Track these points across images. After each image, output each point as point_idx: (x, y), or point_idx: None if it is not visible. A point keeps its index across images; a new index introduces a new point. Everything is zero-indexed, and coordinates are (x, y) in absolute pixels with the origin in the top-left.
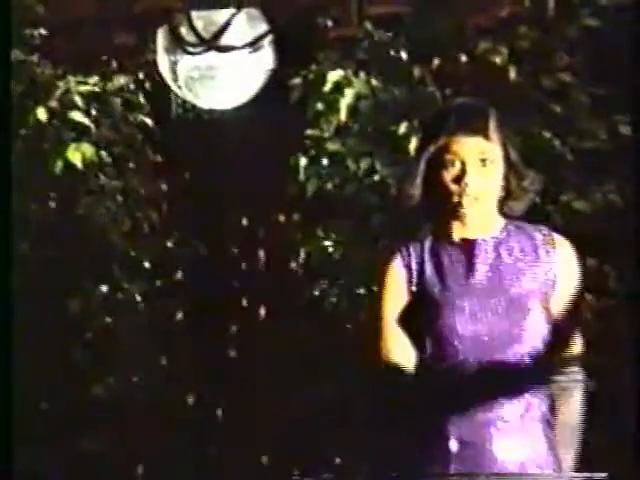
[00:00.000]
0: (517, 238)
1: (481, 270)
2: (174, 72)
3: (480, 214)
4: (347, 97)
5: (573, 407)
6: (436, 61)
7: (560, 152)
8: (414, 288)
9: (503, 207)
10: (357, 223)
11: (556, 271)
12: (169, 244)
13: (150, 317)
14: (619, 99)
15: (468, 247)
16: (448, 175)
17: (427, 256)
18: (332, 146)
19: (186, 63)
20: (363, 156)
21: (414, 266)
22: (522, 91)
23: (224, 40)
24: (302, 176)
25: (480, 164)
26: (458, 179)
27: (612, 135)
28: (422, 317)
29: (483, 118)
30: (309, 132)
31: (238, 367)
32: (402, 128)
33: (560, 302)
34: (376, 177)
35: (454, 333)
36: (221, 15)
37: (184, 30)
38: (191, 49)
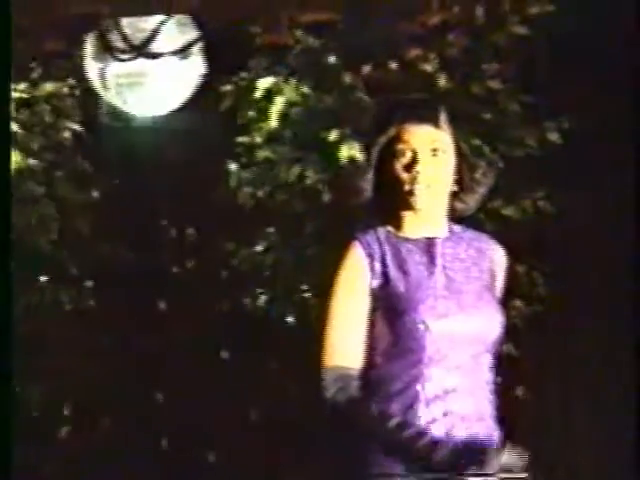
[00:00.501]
0: (464, 241)
1: (439, 268)
2: (103, 79)
3: (432, 205)
4: (278, 104)
5: None
6: (366, 68)
7: (490, 159)
8: (375, 282)
9: (455, 203)
10: (288, 230)
11: (495, 273)
12: (99, 251)
13: (78, 323)
14: (548, 106)
15: (426, 245)
16: (399, 164)
17: (387, 248)
18: (263, 153)
19: (115, 69)
20: (294, 163)
21: (376, 255)
22: (452, 98)
23: (154, 47)
24: (233, 183)
25: (431, 153)
26: (409, 167)
27: (541, 142)
28: (386, 312)
29: (433, 108)
30: (240, 139)
31: (165, 374)
32: (333, 135)
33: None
34: (307, 184)
35: (422, 329)
36: (150, 22)
37: (113, 36)
38: (120, 55)
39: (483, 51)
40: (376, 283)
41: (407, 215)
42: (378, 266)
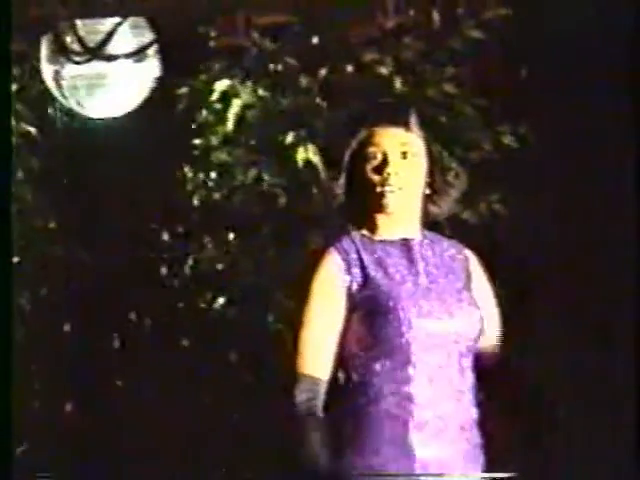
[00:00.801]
0: (434, 248)
1: (418, 270)
2: (58, 81)
3: (404, 207)
4: (234, 107)
5: None
6: (322, 71)
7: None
8: (355, 285)
9: (428, 207)
10: (245, 233)
11: (471, 276)
12: (54, 252)
13: (36, 326)
14: (503, 110)
15: (404, 245)
16: (370, 167)
17: (363, 251)
18: (219, 156)
19: (71, 72)
20: (250, 166)
21: (353, 261)
22: (407, 102)
23: (109, 49)
24: (189, 186)
25: (401, 156)
26: (380, 169)
27: (496, 146)
28: (368, 313)
29: (403, 111)
30: (196, 142)
31: (122, 378)
32: (289, 138)
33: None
34: (263, 187)
35: (407, 328)
36: (106, 24)
37: (69, 38)
38: (76, 58)
39: (439, 55)
40: (356, 286)
41: (380, 218)
42: (356, 270)
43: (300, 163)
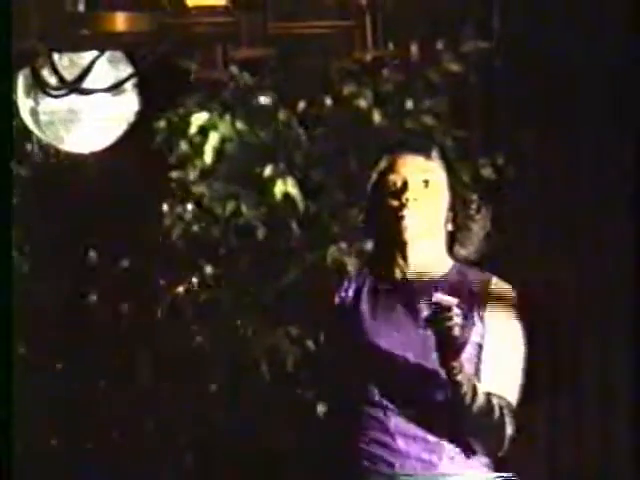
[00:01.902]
0: (457, 283)
1: (415, 310)
2: (35, 115)
3: (424, 237)
4: (212, 140)
5: None
6: (301, 104)
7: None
8: (346, 309)
9: (454, 249)
10: (223, 265)
11: (484, 335)
12: (31, 289)
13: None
14: (481, 142)
15: (407, 286)
16: (390, 194)
17: (366, 289)
18: (197, 189)
19: (48, 106)
20: (229, 199)
21: (350, 293)
22: (386, 134)
23: (87, 83)
24: (167, 219)
25: (423, 185)
26: (399, 195)
27: (475, 178)
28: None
29: (425, 142)
30: (174, 175)
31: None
32: (267, 171)
33: (494, 359)
34: (242, 220)
35: (378, 361)
36: (84, 58)
37: (46, 72)
38: (53, 92)
39: (417, 87)
40: (347, 311)
41: (398, 255)
42: (349, 300)
43: (278, 196)
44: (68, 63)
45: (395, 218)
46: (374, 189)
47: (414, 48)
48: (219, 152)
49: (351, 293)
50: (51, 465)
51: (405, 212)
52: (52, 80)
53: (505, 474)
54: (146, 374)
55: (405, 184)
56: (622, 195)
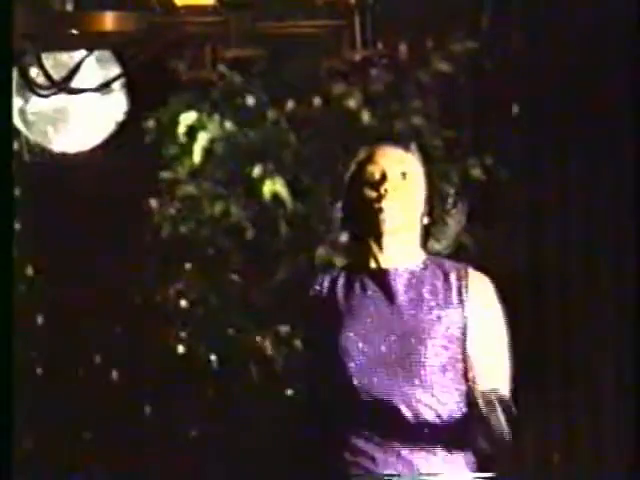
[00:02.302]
0: (433, 275)
1: (389, 301)
2: (24, 115)
3: (401, 229)
4: (201, 140)
5: None
6: (290, 104)
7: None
8: (319, 304)
9: (428, 243)
10: (212, 266)
11: (468, 316)
12: (22, 288)
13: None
14: (470, 143)
15: (381, 277)
16: (368, 185)
17: (340, 282)
18: (186, 189)
19: (36, 106)
20: (217, 199)
21: (325, 288)
22: (375, 134)
23: (75, 82)
24: (156, 219)
25: (401, 177)
26: (378, 185)
27: (464, 178)
28: (321, 335)
29: (404, 136)
30: (163, 175)
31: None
32: (256, 170)
33: (480, 348)
34: (231, 219)
35: (349, 357)
36: (72, 57)
37: (34, 72)
38: (41, 91)
39: (406, 87)
40: (319, 306)
41: (373, 246)
42: (323, 295)
43: (267, 196)
44: (56, 63)
45: (373, 209)
46: (352, 180)
47: (403, 48)
48: (208, 152)
49: (326, 284)
50: None
51: (383, 203)
52: (40, 79)
53: (487, 474)
54: (133, 371)
55: (383, 175)
56: (614, 194)
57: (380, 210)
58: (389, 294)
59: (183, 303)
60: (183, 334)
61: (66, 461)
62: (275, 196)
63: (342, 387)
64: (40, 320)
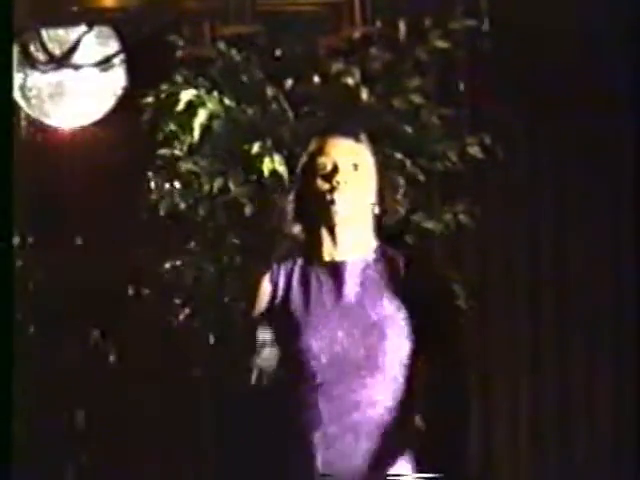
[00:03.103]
0: (385, 261)
1: (345, 294)
2: (24, 90)
3: (353, 222)
4: (200, 116)
5: None
6: (289, 81)
7: (411, 173)
8: (277, 304)
9: (380, 225)
10: (211, 242)
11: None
12: (18, 262)
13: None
14: (469, 121)
15: (336, 269)
16: (320, 177)
17: (296, 276)
18: (185, 165)
19: (36, 81)
20: (216, 175)
21: (281, 284)
22: (374, 112)
23: (75, 58)
24: (155, 195)
25: (352, 168)
26: (330, 177)
27: (462, 156)
28: (282, 336)
29: (354, 126)
30: (161, 151)
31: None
32: (255, 147)
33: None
34: (229, 196)
35: (311, 355)
36: (72, 33)
37: (34, 47)
38: (41, 67)
39: (404, 65)
40: (278, 307)
41: (327, 238)
42: (280, 292)
43: (266, 173)
44: (56, 39)
45: (325, 201)
46: (304, 171)
47: (402, 26)
48: (206, 129)
49: (282, 278)
50: None
51: (335, 195)
52: (40, 55)
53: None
54: (128, 353)
55: (335, 167)
56: (611, 176)
57: (332, 202)
58: (346, 288)
59: (181, 279)
60: (183, 310)
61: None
62: (273, 173)
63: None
64: (36, 301)
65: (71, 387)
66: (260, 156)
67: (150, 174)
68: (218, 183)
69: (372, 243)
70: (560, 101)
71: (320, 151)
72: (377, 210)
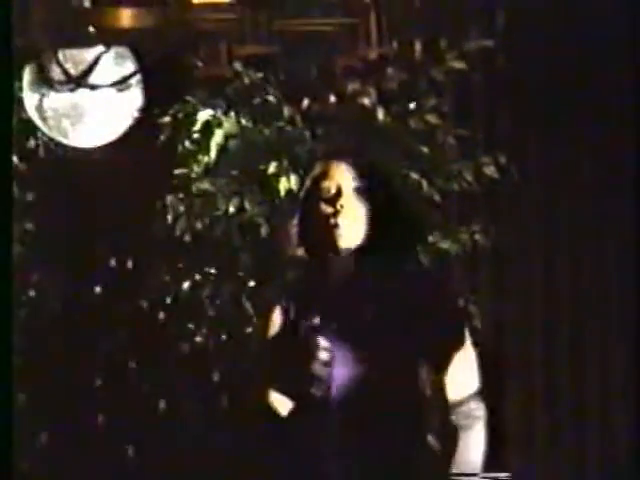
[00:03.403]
0: None
1: (357, 312)
2: (41, 110)
3: (354, 243)
4: (216, 137)
5: (472, 443)
6: (305, 101)
7: (427, 193)
8: (288, 329)
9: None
10: (225, 263)
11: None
12: (35, 283)
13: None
14: (484, 141)
15: (343, 288)
16: (323, 200)
17: (302, 308)
18: (201, 185)
19: (53, 101)
20: (232, 195)
21: (291, 314)
22: (390, 132)
23: (92, 78)
24: (171, 215)
25: (354, 192)
26: (333, 201)
27: (478, 176)
28: (294, 357)
29: (354, 149)
30: (178, 171)
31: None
32: (271, 167)
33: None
34: (245, 216)
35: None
36: (89, 53)
37: (51, 67)
38: (58, 87)
39: (421, 85)
40: (288, 330)
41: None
42: (290, 320)
43: (282, 193)
44: (73, 59)
45: (328, 225)
46: (307, 196)
47: (418, 46)
48: (223, 149)
49: (292, 303)
50: None
51: (339, 219)
52: (58, 75)
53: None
54: (148, 371)
55: (339, 190)
56: (625, 193)
57: (336, 226)
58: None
59: (197, 299)
60: (197, 330)
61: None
62: (290, 193)
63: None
64: (53, 315)
65: None
66: (276, 176)
67: (166, 194)
68: (234, 203)
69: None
70: (575, 120)
71: (324, 175)
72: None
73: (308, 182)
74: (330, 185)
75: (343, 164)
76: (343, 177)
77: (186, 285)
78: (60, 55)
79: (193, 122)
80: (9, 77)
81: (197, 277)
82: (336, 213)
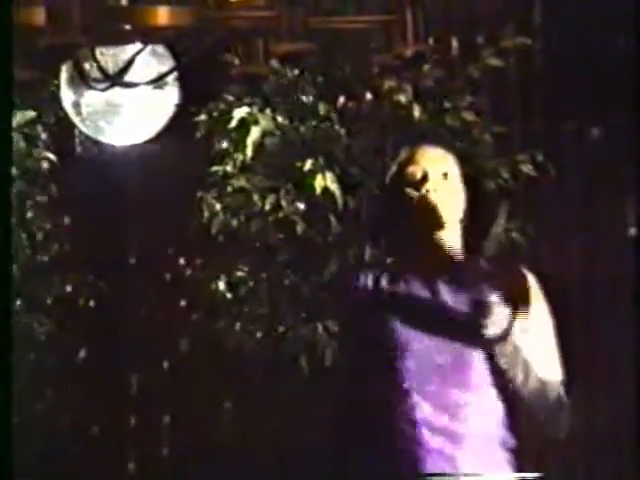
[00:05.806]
0: (475, 273)
1: (436, 299)
2: (78, 107)
3: (443, 229)
4: (253, 134)
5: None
6: (341, 99)
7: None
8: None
9: (469, 238)
10: (262, 260)
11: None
12: (69, 280)
13: (52, 354)
14: (521, 138)
15: (428, 283)
16: (410, 185)
17: (383, 281)
18: (237, 182)
19: (90, 99)
20: (268, 192)
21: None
22: (426, 129)
23: (129, 76)
24: (207, 213)
25: (442, 177)
26: (419, 185)
27: (515, 174)
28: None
29: (443, 138)
30: (214, 169)
31: (139, 415)
32: (307, 165)
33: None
34: (281, 214)
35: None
36: (126, 51)
37: (88, 65)
38: (95, 85)
39: (457, 83)
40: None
41: (417, 249)
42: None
43: (318, 190)
44: (110, 56)
45: (415, 211)
46: (393, 180)
47: (454, 43)
48: (259, 146)
49: (370, 282)
50: None
51: (426, 203)
52: (95, 73)
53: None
54: (182, 368)
55: (425, 175)
56: None
57: (422, 209)
58: (433, 292)
59: (233, 297)
60: (233, 328)
61: None
62: (325, 191)
63: (392, 387)
64: (85, 314)
65: None
66: (312, 173)
67: (202, 191)
68: (270, 200)
69: (460, 255)
70: (611, 115)
71: (409, 160)
72: (466, 220)
73: (394, 168)
74: (416, 170)
75: (429, 149)
76: (429, 162)
77: (222, 282)
78: (97, 53)
79: (229, 120)
80: (9, 78)
81: (233, 274)
82: (422, 200)
